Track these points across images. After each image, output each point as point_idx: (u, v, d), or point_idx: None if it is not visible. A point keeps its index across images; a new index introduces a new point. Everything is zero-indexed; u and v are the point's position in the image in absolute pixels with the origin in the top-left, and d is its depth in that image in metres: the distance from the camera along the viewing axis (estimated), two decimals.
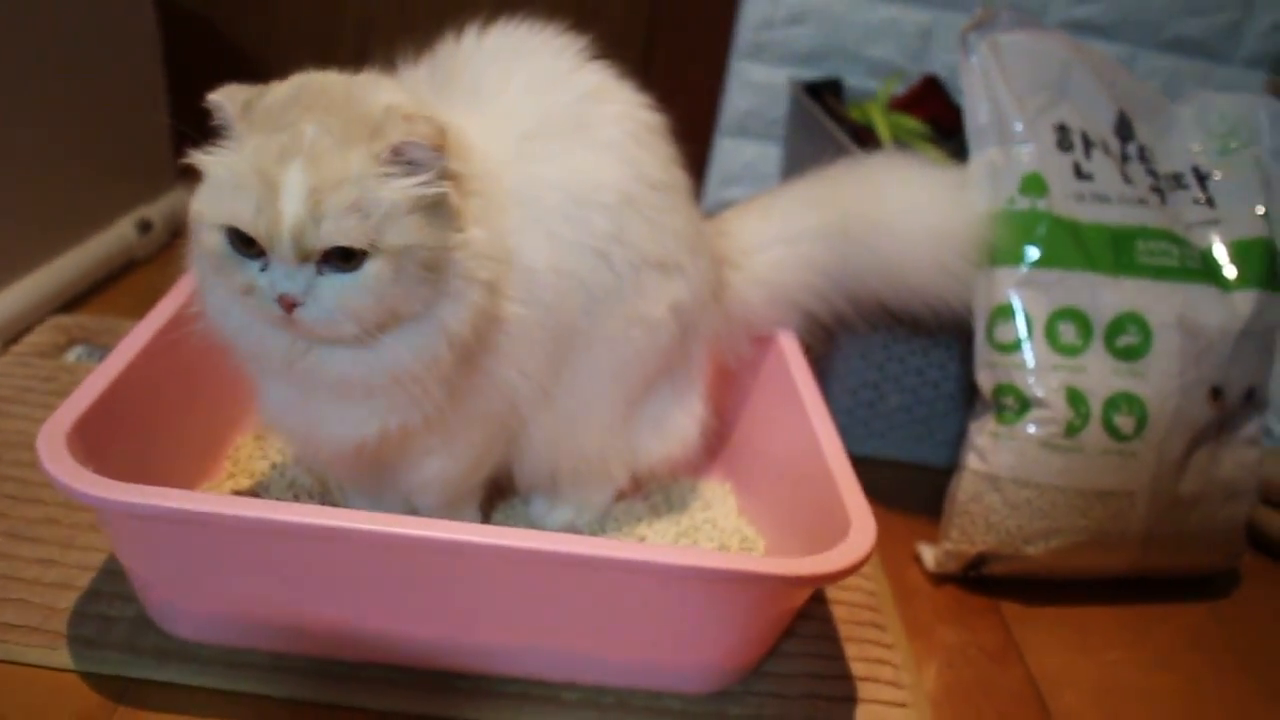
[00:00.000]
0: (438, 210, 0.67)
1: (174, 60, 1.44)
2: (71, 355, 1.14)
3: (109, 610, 0.80)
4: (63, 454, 0.69)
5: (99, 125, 1.31)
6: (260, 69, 0.70)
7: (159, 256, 1.43)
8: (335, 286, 0.65)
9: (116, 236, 1.35)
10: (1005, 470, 0.97)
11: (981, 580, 1.03)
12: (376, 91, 0.69)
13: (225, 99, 0.66)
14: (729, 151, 1.59)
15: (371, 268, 0.65)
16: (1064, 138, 1.01)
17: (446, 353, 0.70)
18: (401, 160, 0.64)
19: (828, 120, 1.26)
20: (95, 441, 0.73)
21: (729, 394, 1.05)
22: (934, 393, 1.18)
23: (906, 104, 1.38)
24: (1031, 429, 0.96)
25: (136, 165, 1.43)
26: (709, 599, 0.73)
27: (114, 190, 1.38)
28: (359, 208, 0.63)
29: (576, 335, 0.82)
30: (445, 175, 0.66)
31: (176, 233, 1.45)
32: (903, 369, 1.17)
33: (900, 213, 1.00)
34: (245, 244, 0.65)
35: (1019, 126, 1.00)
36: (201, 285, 0.73)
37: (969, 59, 1.02)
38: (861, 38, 1.51)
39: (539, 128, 0.80)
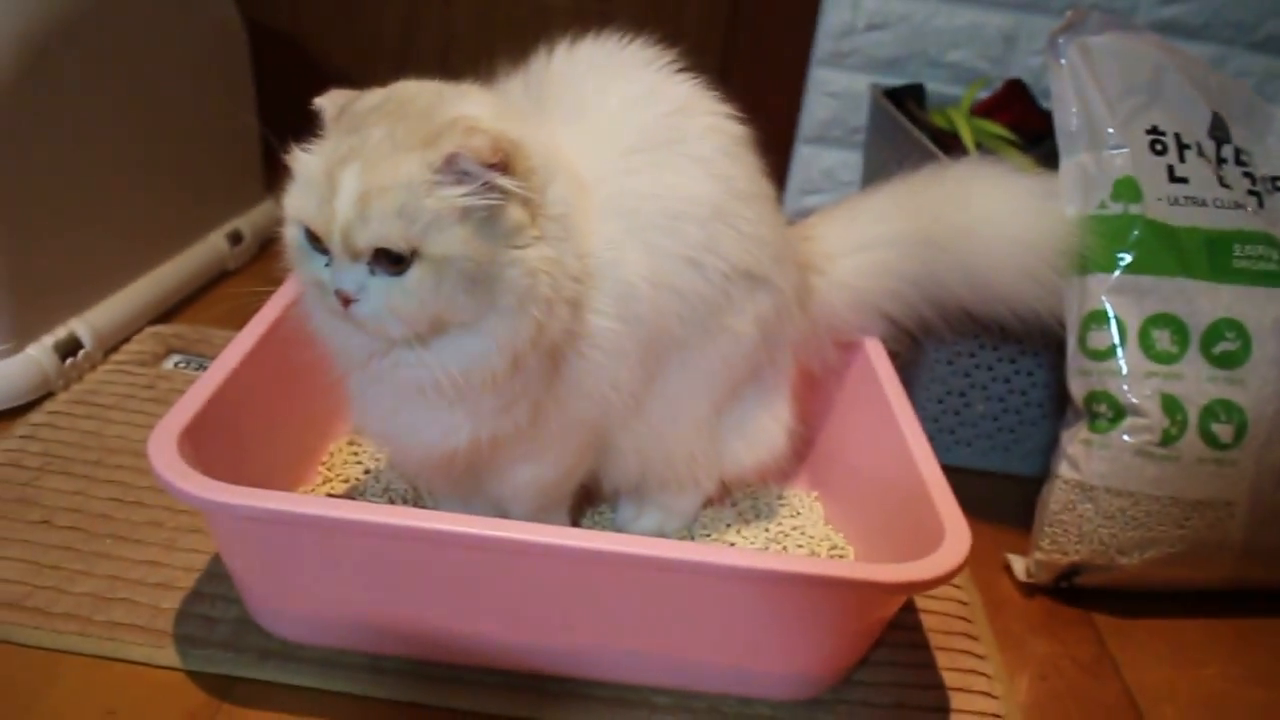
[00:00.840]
0: (491, 224, 0.67)
1: (262, 76, 1.48)
2: (169, 364, 1.17)
3: (212, 611, 0.82)
4: (174, 458, 0.71)
5: (193, 141, 1.35)
6: (344, 84, 0.72)
7: (249, 267, 1.47)
8: (382, 287, 0.67)
9: (209, 248, 1.39)
10: (1099, 479, 0.95)
11: (1073, 591, 1.01)
12: (458, 103, 0.70)
13: (327, 102, 0.70)
14: (809, 160, 1.59)
15: (415, 273, 0.66)
16: (1157, 141, 0.99)
17: (500, 365, 0.71)
18: (454, 171, 0.65)
19: (911, 126, 1.26)
20: (201, 446, 0.75)
21: (814, 401, 1.05)
22: (1021, 401, 1.17)
23: (990, 109, 1.37)
24: (1126, 437, 0.94)
25: (228, 179, 1.47)
26: (803, 605, 0.73)
27: (207, 204, 1.42)
28: (404, 213, 0.64)
29: (671, 346, 0.82)
30: (499, 191, 0.66)
31: (265, 244, 1.51)
32: (990, 377, 1.15)
33: (986, 220, 0.99)
34: (315, 239, 0.68)
35: (1111, 130, 0.98)
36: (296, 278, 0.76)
37: (1058, 62, 1.01)
38: (943, 43, 1.50)
39: (634, 142, 0.80)
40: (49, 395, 1.08)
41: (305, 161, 0.68)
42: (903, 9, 1.48)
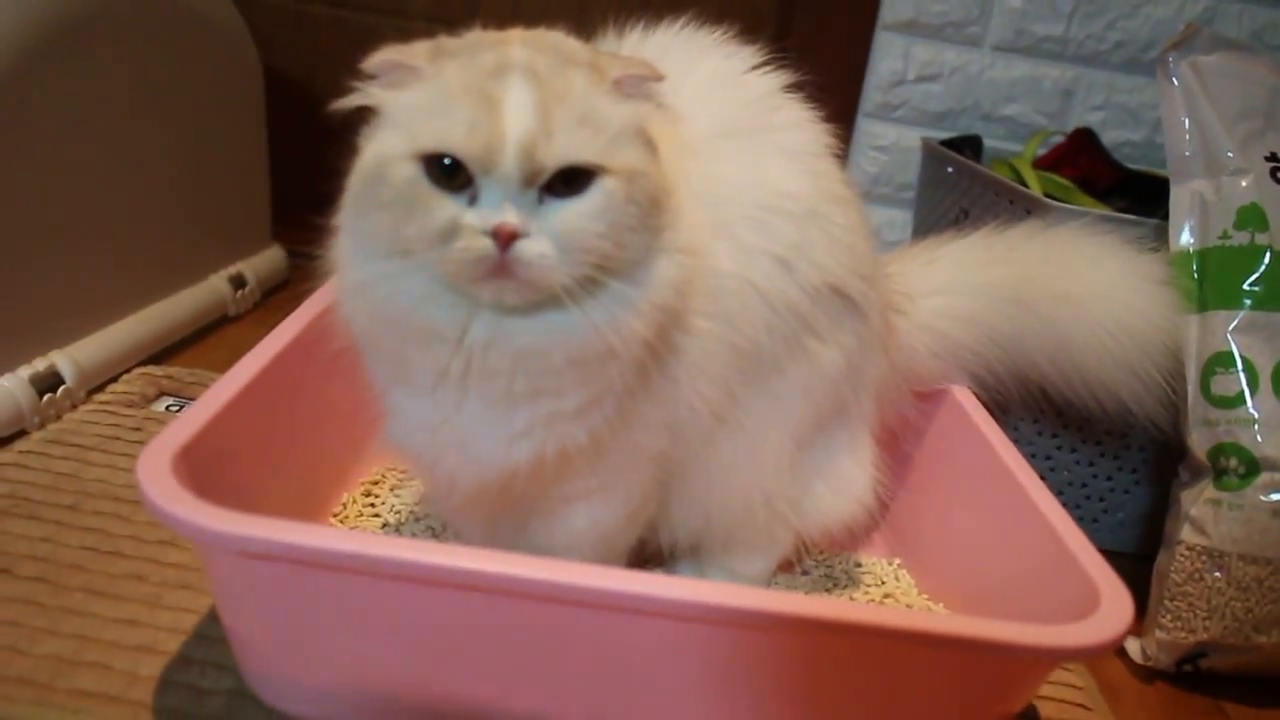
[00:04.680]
0: (655, 154, 0.61)
1: (273, 124, 1.40)
2: (159, 405, 1.04)
3: (201, 680, 0.68)
4: (168, 479, 0.57)
5: (200, 177, 1.26)
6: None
7: (252, 314, 1.36)
8: (563, 212, 0.55)
9: (210, 290, 1.29)
10: (1230, 544, 0.83)
11: (1198, 676, 0.87)
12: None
13: (398, 54, 0.58)
14: None
15: (603, 187, 0.56)
16: (1278, 169, 0.89)
17: (642, 328, 0.60)
18: (625, 91, 0.59)
19: (984, 170, 1.16)
20: (197, 477, 0.61)
21: (890, 458, 0.92)
22: (1113, 465, 1.04)
23: (1056, 161, 1.27)
24: (1263, 495, 0.82)
25: (235, 221, 1.38)
26: (947, 672, 0.60)
27: (211, 244, 1.32)
28: (590, 123, 0.56)
29: (755, 359, 0.71)
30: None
31: (270, 292, 1.40)
32: (1078, 438, 1.03)
33: (1091, 293, 0.88)
34: (447, 177, 0.55)
35: (1231, 154, 0.88)
36: (359, 260, 0.61)
37: (1169, 82, 0.92)
38: (998, 96, 1.42)
39: (721, 126, 0.71)
40: (22, 433, 0.95)
41: (415, 93, 0.57)
42: (956, 59, 1.40)
